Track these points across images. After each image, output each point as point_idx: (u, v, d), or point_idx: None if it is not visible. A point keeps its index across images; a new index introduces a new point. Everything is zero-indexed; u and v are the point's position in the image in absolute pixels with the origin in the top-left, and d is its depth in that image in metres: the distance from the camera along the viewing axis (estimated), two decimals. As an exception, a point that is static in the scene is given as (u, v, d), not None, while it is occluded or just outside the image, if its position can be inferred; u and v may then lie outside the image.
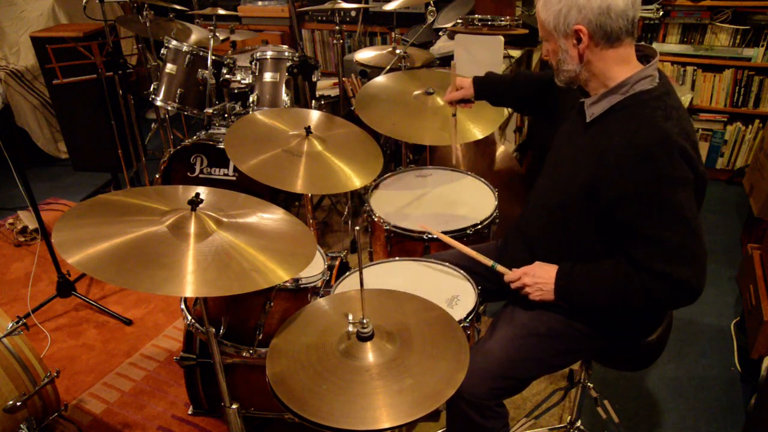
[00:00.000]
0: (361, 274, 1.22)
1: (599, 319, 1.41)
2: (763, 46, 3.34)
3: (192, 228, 1.25)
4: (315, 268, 1.73)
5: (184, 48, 2.72)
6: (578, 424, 1.86)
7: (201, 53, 2.72)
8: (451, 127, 1.93)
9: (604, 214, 1.28)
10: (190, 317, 1.70)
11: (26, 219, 3.22)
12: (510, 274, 1.47)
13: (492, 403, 1.37)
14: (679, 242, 1.21)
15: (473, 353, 1.40)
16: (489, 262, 1.53)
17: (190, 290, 1.12)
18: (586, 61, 1.29)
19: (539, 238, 1.49)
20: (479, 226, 1.87)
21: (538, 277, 1.41)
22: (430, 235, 1.83)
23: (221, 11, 3.23)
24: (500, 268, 1.51)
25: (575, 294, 1.37)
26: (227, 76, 2.73)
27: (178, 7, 3.37)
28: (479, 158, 2.73)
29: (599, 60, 1.28)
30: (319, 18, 4.56)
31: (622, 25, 1.23)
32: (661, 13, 3.41)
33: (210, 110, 2.73)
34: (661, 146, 1.19)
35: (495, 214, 1.93)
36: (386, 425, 1.05)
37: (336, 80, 3.37)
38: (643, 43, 2.31)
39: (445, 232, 1.83)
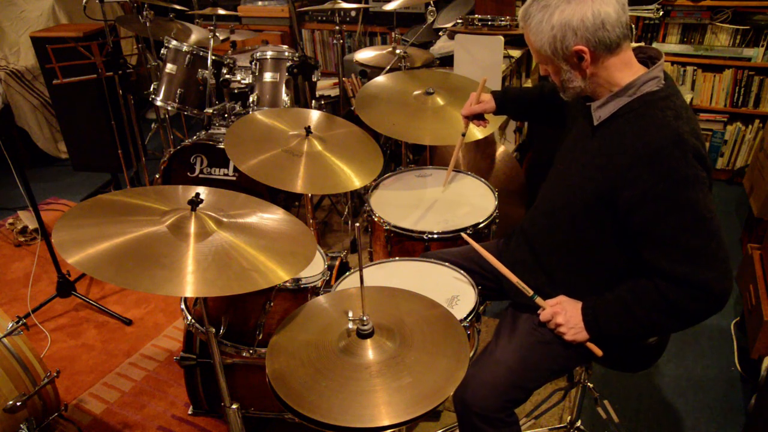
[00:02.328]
0: (361, 271, 1.22)
1: None
2: (763, 46, 3.34)
3: (192, 228, 1.25)
4: (315, 268, 1.73)
5: (184, 48, 2.72)
6: (578, 424, 1.86)
7: (201, 53, 2.72)
8: (456, 147, 1.91)
9: (620, 217, 1.27)
10: (190, 317, 1.70)
11: (26, 219, 3.22)
12: (544, 313, 1.42)
13: (503, 415, 1.37)
14: (698, 244, 1.19)
15: (480, 366, 1.40)
16: (529, 292, 1.44)
17: (190, 290, 1.12)
18: (590, 74, 1.27)
19: (544, 240, 1.48)
20: (479, 226, 1.87)
21: (570, 316, 1.37)
22: (430, 236, 1.83)
23: (221, 11, 3.24)
24: (539, 301, 1.43)
25: (605, 326, 1.33)
26: (227, 76, 2.74)
27: (178, 7, 3.37)
28: (479, 158, 2.73)
29: (603, 70, 1.27)
30: (319, 18, 4.56)
31: (619, 33, 1.22)
32: (661, 13, 3.41)
33: (210, 110, 2.73)
34: (675, 146, 1.18)
35: (495, 214, 1.93)
36: (385, 423, 1.05)
37: (336, 80, 3.38)
38: (643, 44, 2.32)
39: (445, 232, 1.84)
